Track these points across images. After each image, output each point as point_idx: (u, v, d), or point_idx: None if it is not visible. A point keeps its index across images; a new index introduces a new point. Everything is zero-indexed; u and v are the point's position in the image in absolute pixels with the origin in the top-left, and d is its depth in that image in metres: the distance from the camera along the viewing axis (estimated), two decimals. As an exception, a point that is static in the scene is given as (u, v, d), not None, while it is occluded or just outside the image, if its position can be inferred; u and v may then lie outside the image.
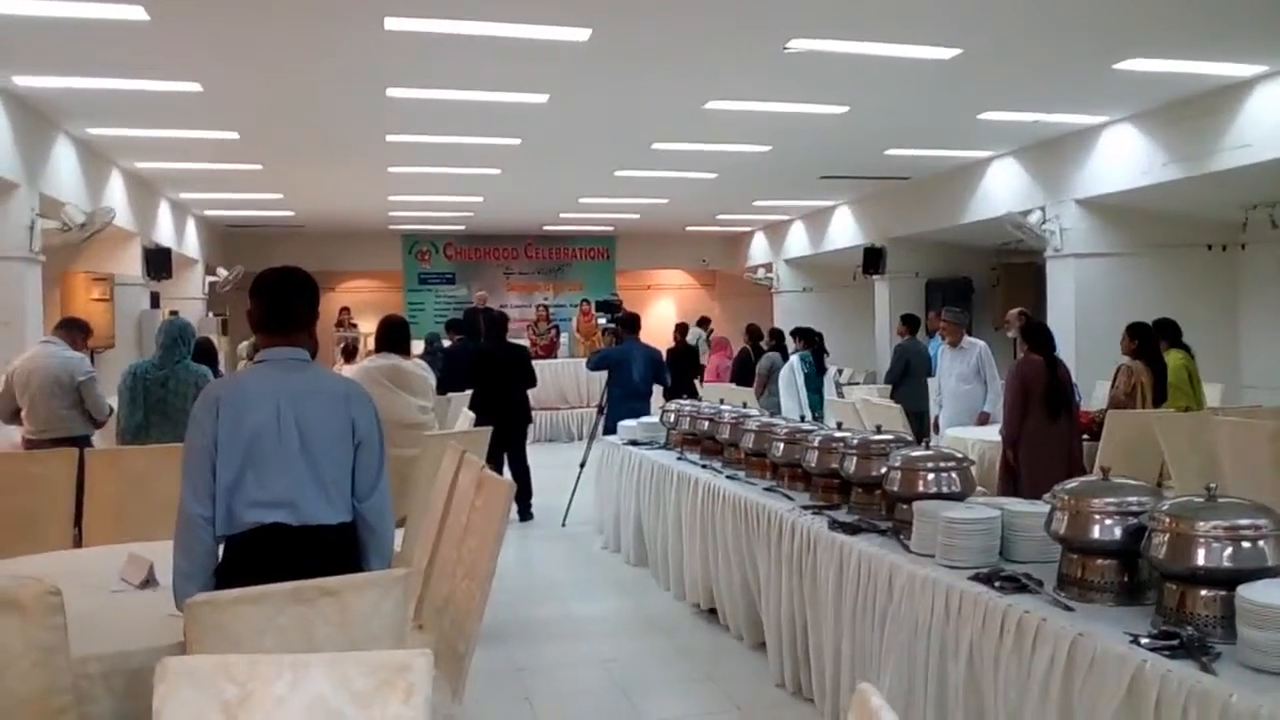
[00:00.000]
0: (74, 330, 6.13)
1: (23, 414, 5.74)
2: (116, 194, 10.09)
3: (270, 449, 2.62)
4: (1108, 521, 2.76)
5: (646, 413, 7.97)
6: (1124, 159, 9.18)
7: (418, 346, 9.45)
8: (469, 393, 8.18)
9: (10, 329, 7.22)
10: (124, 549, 3.61)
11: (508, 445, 8.02)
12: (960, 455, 3.80)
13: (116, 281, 10.14)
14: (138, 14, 5.74)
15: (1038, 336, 6.15)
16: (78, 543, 4.50)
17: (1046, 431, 5.83)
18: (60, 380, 5.69)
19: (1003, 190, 10.95)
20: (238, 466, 2.61)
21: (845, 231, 14.82)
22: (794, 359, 9.19)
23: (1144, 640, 2.41)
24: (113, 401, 5.83)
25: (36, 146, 7.96)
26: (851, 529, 3.81)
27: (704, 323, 12.13)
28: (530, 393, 8.65)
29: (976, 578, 3.00)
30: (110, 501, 4.64)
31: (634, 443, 7.04)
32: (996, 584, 2.91)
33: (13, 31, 6.09)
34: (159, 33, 6.11)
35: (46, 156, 8.21)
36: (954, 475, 3.66)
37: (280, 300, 2.79)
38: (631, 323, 8.94)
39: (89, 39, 6.29)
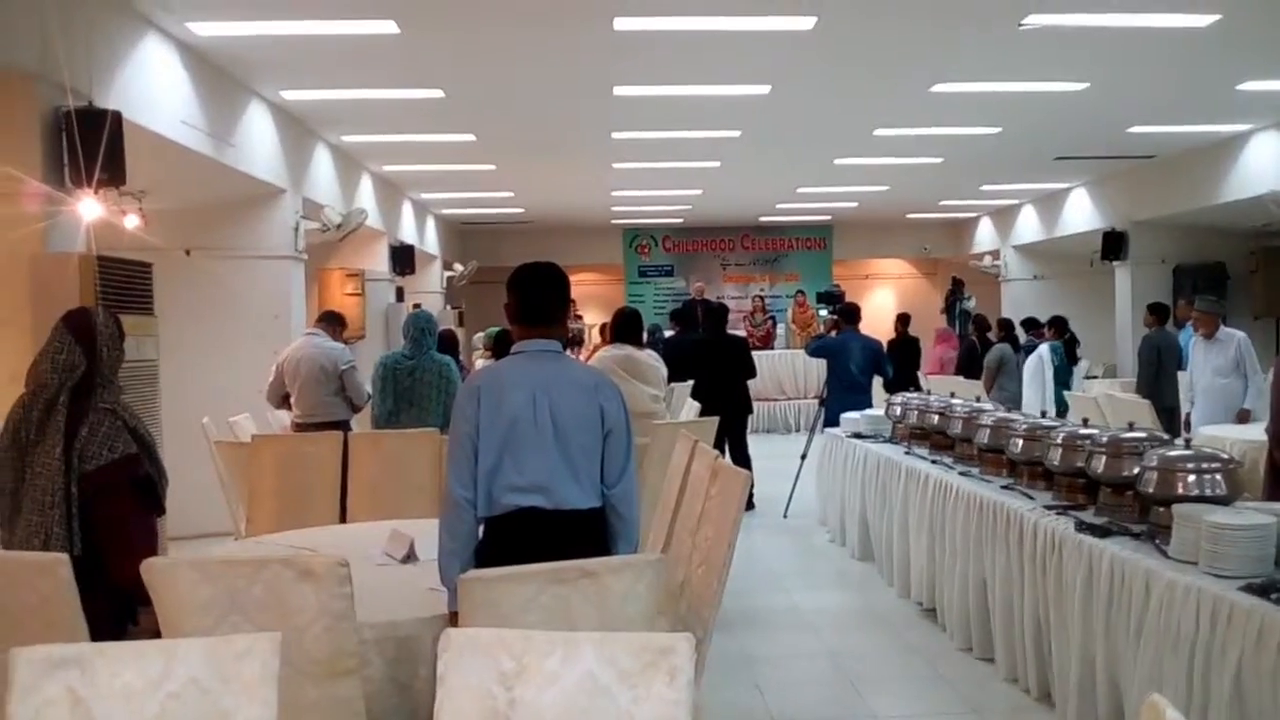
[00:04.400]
0: (334, 323, 6.67)
1: (291, 399, 6.30)
2: (367, 196, 10.88)
3: (526, 436, 2.77)
4: None
5: (865, 405, 7.82)
6: None
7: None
8: (690, 383, 8.31)
9: (279, 321, 7.93)
10: (383, 525, 3.90)
11: (728, 435, 8.09)
12: (1226, 456, 3.54)
13: (366, 277, 10.92)
14: (389, 28, 6.17)
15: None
16: (342, 518, 4.91)
17: (1321, 431, 5.30)
18: (325, 368, 6.20)
19: (1264, 166, 10.00)
20: (496, 452, 2.77)
21: (1081, 215, 13.98)
22: (1043, 349, 8.74)
23: None
24: (369, 389, 6.31)
25: (299, 154, 8.70)
26: (1101, 531, 3.62)
27: (905, 319, 11.84)
28: (749, 383, 8.68)
29: (1249, 588, 2.79)
30: (369, 480, 5.04)
31: (858, 435, 6.95)
32: (1274, 596, 2.70)
33: (281, 50, 6.69)
34: (407, 44, 6.53)
35: (308, 163, 8.95)
36: (1219, 478, 3.42)
37: (536, 294, 2.93)
38: (851, 313, 8.78)
39: (346, 53, 6.82)
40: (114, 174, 4.98)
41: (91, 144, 4.87)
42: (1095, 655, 3.52)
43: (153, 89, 5.92)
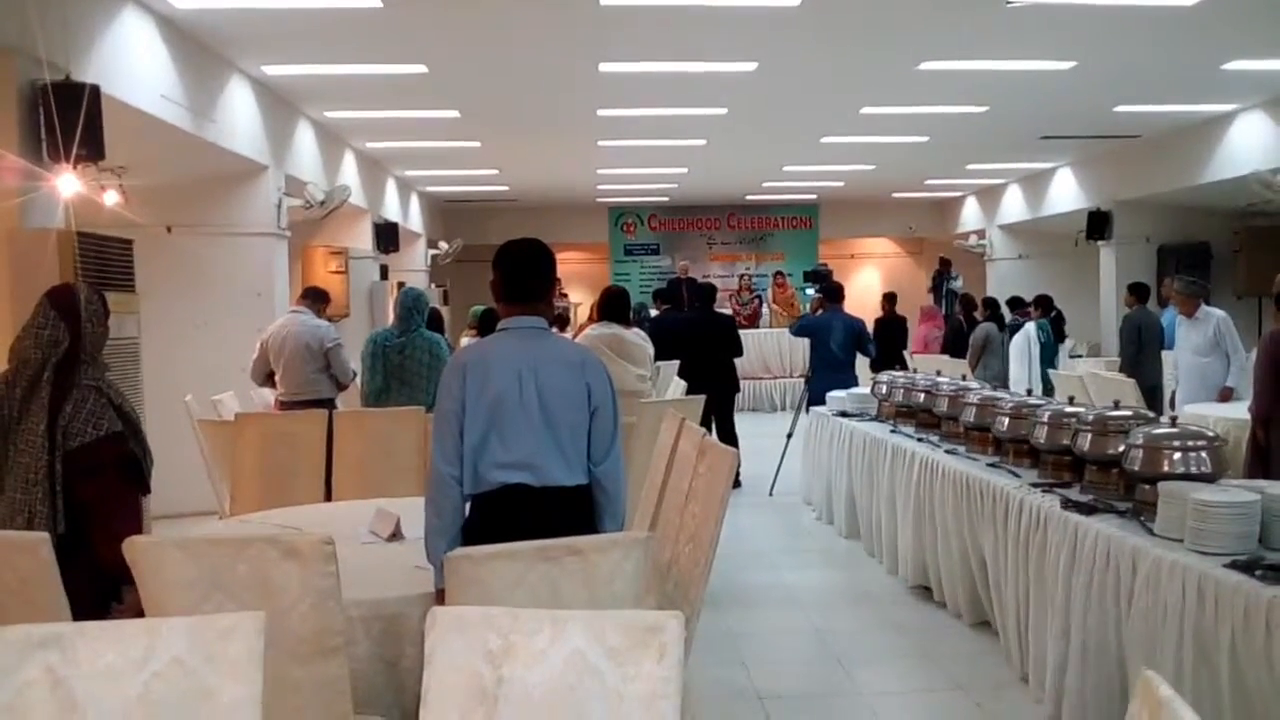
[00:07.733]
0: (318, 300, 6.62)
1: (276, 377, 6.25)
2: (350, 173, 10.78)
3: (513, 413, 2.75)
4: (1392, 510, 2.52)
5: (849, 384, 7.83)
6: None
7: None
8: (677, 362, 8.30)
9: (262, 299, 7.86)
10: (369, 504, 3.89)
11: (715, 413, 8.09)
12: (1211, 433, 3.55)
13: (350, 255, 10.83)
14: (373, 1, 6.08)
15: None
16: (327, 496, 4.88)
17: (1304, 410, 5.34)
18: (310, 346, 6.14)
19: (1249, 146, 10.03)
20: (483, 430, 2.75)
21: (1066, 195, 14.01)
22: (1030, 327, 8.81)
23: None
24: (356, 367, 6.26)
25: (282, 130, 8.60)
26: (1087, 509, 3.63)
27: (891, 298, 11.92)
28: (736, 362, 8.68)
29: (1234, 565, 2.80)
30: (355, 459, 5.01)
31: (844, 414, 6.95)
32: (1258, 573, 2.72)
33: (262, 24, 6.59)
34: (390, 19, 6.45)
35: (290, 139, 8.85)
36: (1204, 455, 3.43)
37: (522, 271, 2.90)
38: (834, 292, 8.80)
39: (328, 27, 6.73)
40: (93, 149, 4.91)
41: (69, 118, 4.79)
42: (1076, 632, 3.53)
43: (132, 63, 5.83)
